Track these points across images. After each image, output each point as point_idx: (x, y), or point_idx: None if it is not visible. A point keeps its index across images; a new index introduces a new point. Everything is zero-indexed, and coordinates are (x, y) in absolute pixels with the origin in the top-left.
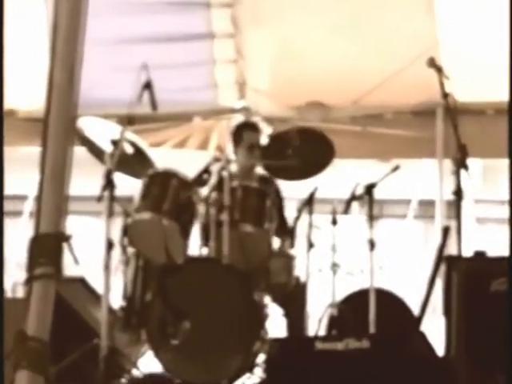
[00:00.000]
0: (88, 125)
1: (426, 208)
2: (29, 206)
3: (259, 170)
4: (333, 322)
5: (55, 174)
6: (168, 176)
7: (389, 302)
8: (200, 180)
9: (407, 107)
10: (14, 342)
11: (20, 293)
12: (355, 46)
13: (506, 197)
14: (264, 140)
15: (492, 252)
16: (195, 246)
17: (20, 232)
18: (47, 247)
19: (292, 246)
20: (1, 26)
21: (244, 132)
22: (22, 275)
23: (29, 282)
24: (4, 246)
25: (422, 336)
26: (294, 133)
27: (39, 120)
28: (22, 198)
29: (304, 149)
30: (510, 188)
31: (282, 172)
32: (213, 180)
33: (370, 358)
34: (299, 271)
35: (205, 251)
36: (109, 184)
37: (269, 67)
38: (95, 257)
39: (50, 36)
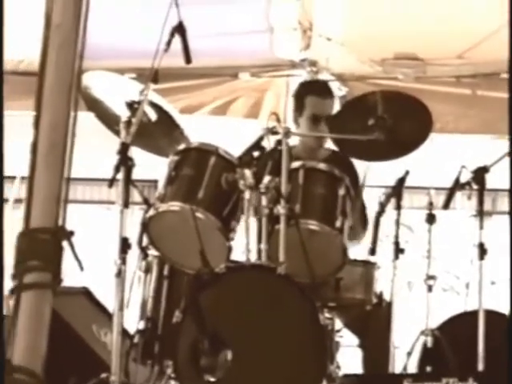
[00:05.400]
0: (98, 82)
1: None
2: (15, 190)
3: (329, 145)
4: (427, 356)
5: (52, 149)
6: (205, 153)
7: (503, 328)
8: (248, 159)
9: None
10: None
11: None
12: None
13: None
14: (336, 106)
15: None
16: (240, 249)
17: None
18: (41, 247)
19: (373, 251)
20: (1, 25)
21: (307, 97)
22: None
23: (16, 292)
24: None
25: None
26: (377, 96)
27: (34, 74)
28: (7, 180)
29: (390, 118)
30: (510, 187)
31: (361, 149)
32: (265, 159)
33: None
34: (382, 286)
35: (253, 256)
36: (124, 163)
37: (344, 6)
38: (105, 261)
39: None
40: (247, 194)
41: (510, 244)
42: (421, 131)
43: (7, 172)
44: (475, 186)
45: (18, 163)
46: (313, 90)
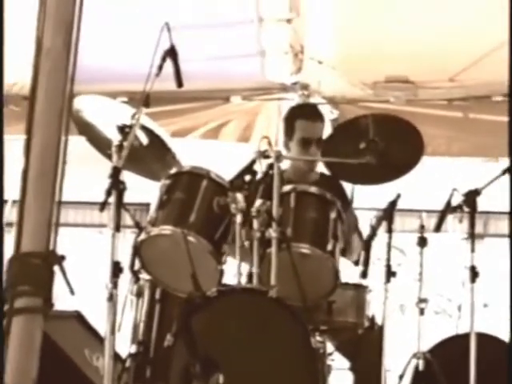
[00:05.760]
0: (89, 106)
1: None
2: (6, 214)
3: (321, 168)
4: (419, 379)
5: (43, 173)
6: (196, 177)
7: (495, 351)
8: (240, 183)
9: None
10: None
11: None
12: (454, 2)
13: None
14: (327, 130)
15: None
16: (232, 273)
17: None
18: (32, 271)
19: (365, 275)
20: (1, 25)
21: (297, 120)
22: None
23: (6, 317)
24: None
25: None
26: (368, 119)
27: (25, 98)
28: None
29: (382, 142)
30: (510, 191)
31: (352, 173)
32: (257, 183)
33: None
34: (374, 309)
35: (245, 280)
36: (116, 186)
37: (335, 30)
38: (96, 285)
39: None
40: (239, 218)
41: (510, 266)
42: (412, 154)
43: None
44: (467, 209)
45: (8, 187)
46: (302, 114)
